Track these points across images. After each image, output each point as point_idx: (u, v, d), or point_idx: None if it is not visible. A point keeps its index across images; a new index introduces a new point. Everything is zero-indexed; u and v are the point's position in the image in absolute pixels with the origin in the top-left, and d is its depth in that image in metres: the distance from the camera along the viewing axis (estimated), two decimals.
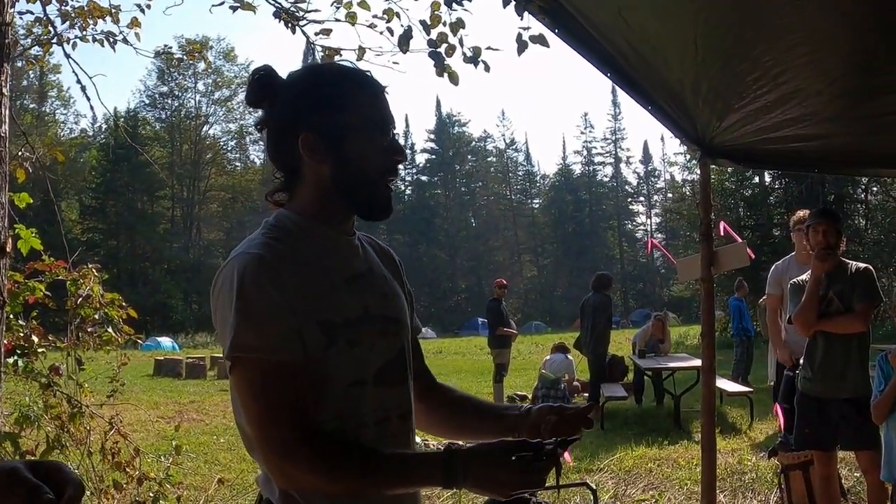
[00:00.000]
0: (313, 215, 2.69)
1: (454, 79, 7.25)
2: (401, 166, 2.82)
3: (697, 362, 14.87)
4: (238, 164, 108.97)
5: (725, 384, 16.45)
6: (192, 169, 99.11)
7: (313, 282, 2.56)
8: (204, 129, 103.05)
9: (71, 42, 8.37)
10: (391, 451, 2.58)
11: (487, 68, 7.35)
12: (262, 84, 2.69)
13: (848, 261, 7.45)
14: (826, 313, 7.22)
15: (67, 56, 8.13)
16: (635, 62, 5.42)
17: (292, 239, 2.62)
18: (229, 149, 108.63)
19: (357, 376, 2.60)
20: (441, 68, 7.24)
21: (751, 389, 16.70)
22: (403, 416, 2.74)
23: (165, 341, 56.21)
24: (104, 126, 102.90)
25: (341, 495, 2.51)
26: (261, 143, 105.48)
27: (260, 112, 2.75)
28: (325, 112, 2.63)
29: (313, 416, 2.48)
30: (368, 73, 2.77)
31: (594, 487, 5.84)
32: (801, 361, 7.62)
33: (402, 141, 2.90)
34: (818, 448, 7.43)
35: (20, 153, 7.13)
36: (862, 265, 7.39)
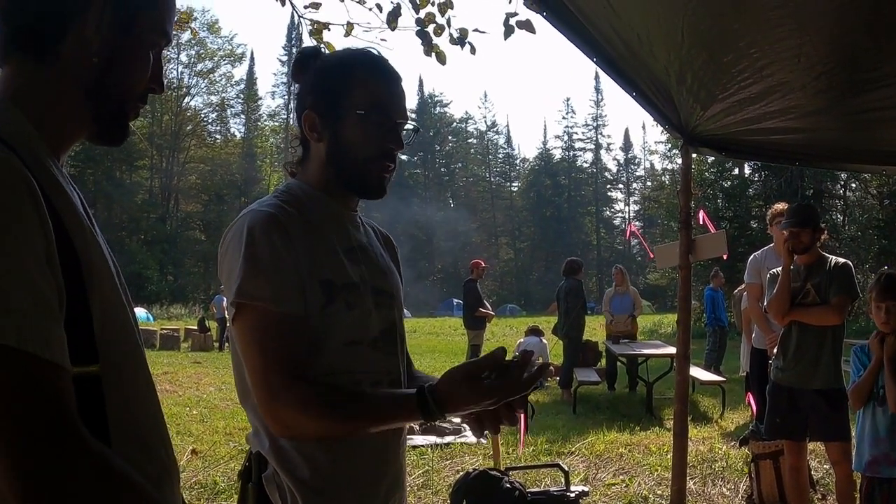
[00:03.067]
0: (319, 188, 2.80)
1: (442, 59, 7.26)
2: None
3: (671, 350, 14.93)
4: (218, 136, 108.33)
5: (699, 373, 16.49)
6: (172, 140, 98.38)
7: (317, 244, 2.66)
8: (185, 100, 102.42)
9: None
10: (376, 390, 2.72)
11: (473, 50, 7.36)
12: (299, 62, 2.85)
13: (828, 255, 7.52)
14: (802, 304, 7.29)
15: None
16: (621, 49, 5.44)
17: (300, 204, 2.72)
18: (210, 121, 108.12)
19: (353, 337, 2.68)
20: (429, 47, 7.25)
21: (723, 379, 16.74)
22: (393, 383, 2.83)
23: (140, 312, 55.68)
24: None
25: (332, 436, 2.62)
26: (241, 116, 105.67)
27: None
28: (326, 94, 2.76)
29: (309, 367, 2.54)
30: (385, 62, 2.84)
31: (566, 469, 5.89)
32: (775, 351, 7.69)
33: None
34: (788, 438, 7.51)
35: None
36: (841, 260, 7.45)
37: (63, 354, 1.61)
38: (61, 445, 1.55)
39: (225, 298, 2.67)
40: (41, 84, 1.89)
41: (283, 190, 2.81)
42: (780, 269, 7.52)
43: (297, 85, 2.87)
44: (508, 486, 5.72)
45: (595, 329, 28.40)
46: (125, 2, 1.92)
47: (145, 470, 1.87)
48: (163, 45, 2.06)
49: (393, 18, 7.26)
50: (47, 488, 1.52)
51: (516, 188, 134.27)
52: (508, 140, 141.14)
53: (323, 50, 2.93)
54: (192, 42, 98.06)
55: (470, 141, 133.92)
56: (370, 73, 2.79)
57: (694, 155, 7.38)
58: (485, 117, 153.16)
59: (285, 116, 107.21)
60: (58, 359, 1.58)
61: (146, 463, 1.90)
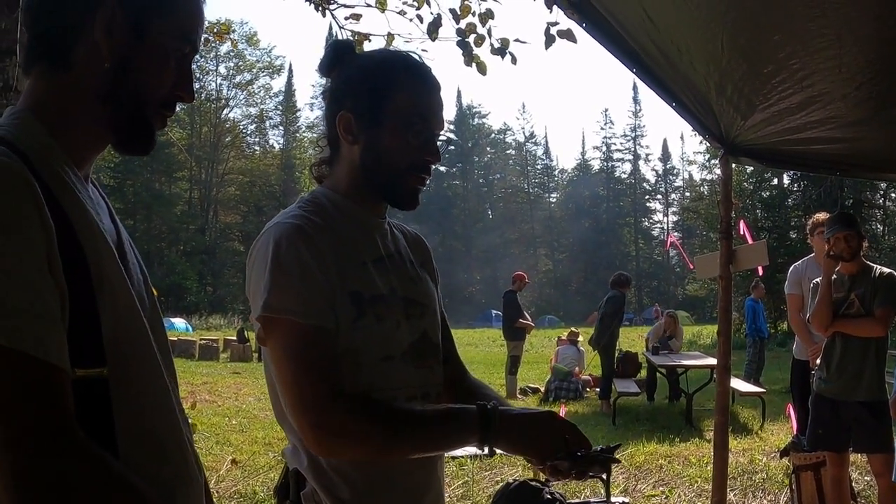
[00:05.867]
0: (346, 194, 2.70)
1: (482, 69, 7.28)
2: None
3: (711, 361, 14.89)
4: (257, 148, 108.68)
5: (739, 384, 16.40)
6: (211, 151, 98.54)
7: (345, 255, 2.56)
8: (224, 112, 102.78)
9: None
10: (425, 408, 2.62)
11: (514, 60, 7.38)
12: (334, 55, 2.72)
13: (872, 264, 7.47)
14: (846, 315, 7.25)
15: None
16: (660, 60, 5.44)
17: (326, 214, 2.62)
18: (248, 133, 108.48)
19: (386, 351, 2.60)
20: (469, 58, 7.27)
21: (763, 390, 16.68)
22: (426, 396, 2.73)
23: (179, 322, 55.87)
24: None
25: (375, 457, 2.53)
26: (280, 128, 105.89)
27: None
28: (366, 95, 2.62)
29: (345, 382, 2.45)
30: (429, 69, 2.73)
31: (605, 479, 5.86)
32: (818, 362, 7.64)
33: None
34: (831, 449, 7.45)
35: None
36: (886, 270, 7.39)
37: (60, 356, 1.61)
38: (54, 446, 1.56)
39: (252, 314, 2.54)
40: (57, 92, 1.89)
41: (309, 200, 2.70)
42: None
43: (327, 80, 2.77)
44: (549, 497, 5.67)
45: (634, 339, 28.31)
46: (136, 5, 1.89)
47: (156, 476, 1.86)
48: (187, 52, 2.01)
49: (434, 29, 7.29)
50: (38, 488, 1.54)
51: (555, 199, 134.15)
52: (547, 151, 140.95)
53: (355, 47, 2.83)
54: (231, 54, 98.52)
55: (508, 152, 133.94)
56: (415, 79, 2.67)
57: (734, 165, 7.36)
58: (523, 128, 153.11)
59: (324, 128, 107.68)
60: (53, 359, 1.59)
61: (157, 469, 1.89)
